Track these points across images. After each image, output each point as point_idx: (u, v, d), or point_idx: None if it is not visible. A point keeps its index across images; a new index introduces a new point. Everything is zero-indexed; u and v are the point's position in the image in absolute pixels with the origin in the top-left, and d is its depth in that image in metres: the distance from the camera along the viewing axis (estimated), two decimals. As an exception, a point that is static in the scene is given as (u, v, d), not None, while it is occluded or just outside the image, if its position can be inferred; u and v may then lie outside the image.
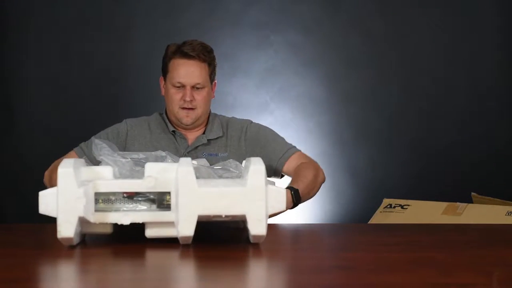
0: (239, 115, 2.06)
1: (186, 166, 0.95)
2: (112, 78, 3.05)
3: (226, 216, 0.94)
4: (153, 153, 1.18)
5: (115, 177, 1.01)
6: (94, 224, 0.97)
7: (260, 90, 3.07)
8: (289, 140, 2.00)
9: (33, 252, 0.98)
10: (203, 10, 3.06)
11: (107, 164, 1.04)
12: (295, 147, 1.93)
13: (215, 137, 1.90)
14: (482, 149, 3.02)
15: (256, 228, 0.94)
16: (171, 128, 1.90)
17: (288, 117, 3.05)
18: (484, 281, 0.76)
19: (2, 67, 3.03)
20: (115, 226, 0.99)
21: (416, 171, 3.02)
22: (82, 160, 1.05)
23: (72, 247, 0.98)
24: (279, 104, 3.07)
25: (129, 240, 1.02)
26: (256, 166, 0.95)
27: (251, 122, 1.96)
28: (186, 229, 0.94)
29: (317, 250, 1.03)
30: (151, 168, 0.97)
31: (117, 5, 3.07)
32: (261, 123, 1.98)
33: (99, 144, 1.09)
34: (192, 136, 1.91)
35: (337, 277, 0.80)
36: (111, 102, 3.02)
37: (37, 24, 3.03)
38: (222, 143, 1.90)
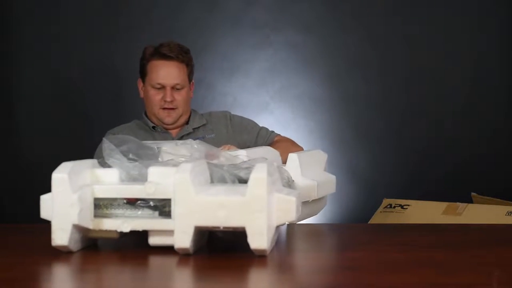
0: (239, 115, 2.08)
1: (183, 173, 0.89)
2: (112, 78, 3.05)
3: (224, 228, 0.88)
4: (179, 142, 1.12)
5: (121, 181, 0.97)
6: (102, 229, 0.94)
7: (260, 90, 3.07)
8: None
9: (33, 252, 0.98)
10: (203, 10, 3.06)
11: (113, 167, 0.99)
12: (274, 131, 2.03)
13: (199, 125, 1.95)
14: (482, 149, 3.01)
15: (256, 241, 0.87)
16: (151, 125, 1.93)
17: (288, 117, 3.05)
18: (484, 281, 0.76)
19: (2, 67, 3.03)
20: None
21: (416, 171, 3.02)
22: (89, 162, 1.00)
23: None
24: (279, 104, 3.07)
25: (133, 245, 1.02)
26: (257, 175, 0.87)
27: (229, 112, 2.04)
28: (182, 240, 0.89)
29: (317, 250, 1.03)
30: (153, 172, 0.93)
31: (117, 5, 3.06)
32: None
33: (107, 146, 1.02)
34: (174, 129, 1.95)
35: (337, 277, 0.80)
36: (111, 102, 3.02)
37: (37, 24, 3.03)
38: (207, 128, 1.95)
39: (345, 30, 3.08)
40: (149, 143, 1.10)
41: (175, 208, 0.89)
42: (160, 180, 0.92)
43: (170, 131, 1.95)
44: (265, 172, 0.87)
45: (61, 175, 0.92)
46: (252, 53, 3.07)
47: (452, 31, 3.07)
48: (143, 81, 1.95)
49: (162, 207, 0.92)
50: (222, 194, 0.89)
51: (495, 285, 0.74)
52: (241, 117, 2.04)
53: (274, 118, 3.03)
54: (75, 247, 0.95)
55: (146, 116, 1.99)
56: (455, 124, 3.04)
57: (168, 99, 1.88)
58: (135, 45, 3.08)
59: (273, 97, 3.07)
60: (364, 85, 3.08)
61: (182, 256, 0.91)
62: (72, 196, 0.92)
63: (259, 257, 0.89)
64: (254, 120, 2.09)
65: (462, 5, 3.07)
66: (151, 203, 0.93)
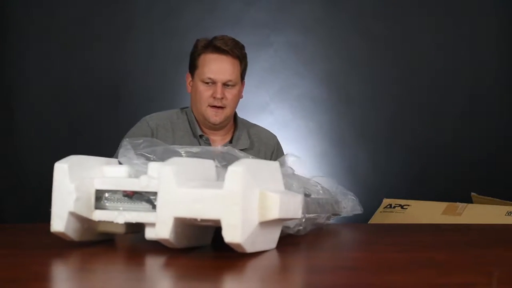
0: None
1: (168, 165, 0.90)
2: (112, 78, 3.05)
3: (202, 220, 0.88)
4: (210, 148, 1.10)
5: (130, 176, 0.99)
6: (107, 223, 0.97)
7: (260, 90, 3.07)
8: (290, 140, 2.01)
9: (33, 252, 0.98)
10: (203, 10, 3.06)
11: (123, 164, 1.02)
12: None
13: (242, 148, 1.80)
14: (482, 149, 3.02)
15: (230, 235, 0.86)
16: (199, 132, 1.79)
17: (288, 117, 3.05)
18: (484, 281, 0.76)
19: (2, 67, 3.03)
20: (129, 226, 0.98)
21: (416, 171, 3.02)
22: (101, 159, 1.03)
23: (73, 247, 0.98)
24: (279, 104, 3.07)
25: (136, 242, 1.02)
26: (234, 168, 0.87)
27: (277, 140, 1.90)
28: (162, 231, 0.89)
29: (317, 250, 1.03)
30: (153, 167, 0.95)
31: (117, 5, 3.07)
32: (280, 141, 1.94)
33: (124, 146, 1.05)
34: (218, 143, 1.82)
35: (337, 277, 0.80)
36: (111, 102, 3.02)
37: (37, 24, 3.03)
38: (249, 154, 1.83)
39: (345, 30, 3.08)
40: (177, 147, 1.11)
41: (157, 199, 0.91)
42: (158, 174, 0.93)
43: (213, 143, 1.81)
44: (243, 165, 0.87)
45: (62, 165, 0.96)
46: (252, 53, 3.06)
47: (452, 31, 3.07)
48: (192, 75, 1.81)
49: (155, 201, 0.93)
50: (201, 186, 0.90)
51: (495, 285, 0.74)
52: (283, 152, 1.91)
53: (274, 119, 3.03)
54: (76, 236, 0.98)
55: (194, 115, 1.83)
56: (455, 124, 3.04)
57: (219, 95, 1.74)
58: (135, 45, 3.09)
59: (273, 97, 3.07)
60: (364, 85, 3.08)
61: (179, 255, 0.91)
62: (70, 185, 0.95)
63: (259, 257, 0.89)
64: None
65: (462, 5, 3.07)
66: (146, 197, 0.95)
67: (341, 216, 1.29)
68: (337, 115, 3.08)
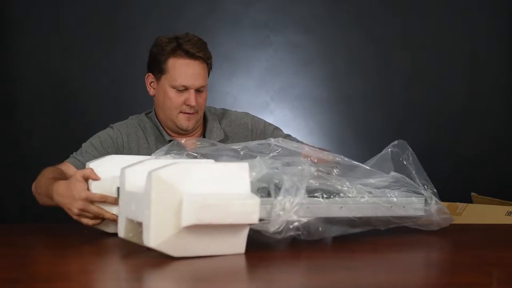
0: (259, 118, 1.96)
1: (130, 167, 0.95)
2: (112, 78, 3.04)
3: (137, 222, 0.91)
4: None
5: None
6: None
7: (260, 90, 3.07)
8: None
9: (33, 252, 0.98)
10: (203, 10, 3.06)
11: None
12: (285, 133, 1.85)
13: (218, 140, 1.72)
14: (482, 149, 3.01)
15: (145, 238, 0.86)
16: (168, 138, 1.72)
17: (288, 117, 3.05)
18: (484, 281, 0.76)
19: (2, 67, 3.03)
20: None
21: (416, 171, 3.02)
22: (140, 158, 1.09)
23: (73, 247, 0.99)
24: (279, 104, 3.07)
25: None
26: (154, 173, 0.85)
27: (251, 116, 1.83)
28: (120, 230, 0.95)
29: (317, 250, 1.03)
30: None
31: (117, 5, 3.06)
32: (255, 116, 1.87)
33: (164, 147, 1.12)
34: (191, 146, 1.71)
35: (338, 277, 0.80)
36: (111, 102, 3.02)
37: (37, 24, 3.03)
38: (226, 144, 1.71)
39: (345, 30, 3.08)
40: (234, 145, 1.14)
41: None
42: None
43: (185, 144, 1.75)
44: (163, 169, 0.86)
45: (90, 164, 1.10)
46: (252, 53, 3.07)
47: (452, 31, 3.07)
48: (158, 78, 1.70)
49: None
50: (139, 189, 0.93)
51: (495, 285, 0.74)
52: (263, 123, 1.83)
53: (274, 118, 3.03)
54: (109, 228, 1.09)
55: (158, 119, 1.75)
56: (455, 124, 3.04)
57: (193, 103, 1.64)
58: (135, 45, 3.09)
59: (273, 97, 3.07)
60: (364, 85, 3.08)
61: (171, 257, 0.91)
62: (91, 183, 1.07)
63: (257, 256, 0.89)
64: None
65: (461, 5, 3.06)
66: None
67: (426, 223, 1.07)
68: (337, 115, 3.08)
